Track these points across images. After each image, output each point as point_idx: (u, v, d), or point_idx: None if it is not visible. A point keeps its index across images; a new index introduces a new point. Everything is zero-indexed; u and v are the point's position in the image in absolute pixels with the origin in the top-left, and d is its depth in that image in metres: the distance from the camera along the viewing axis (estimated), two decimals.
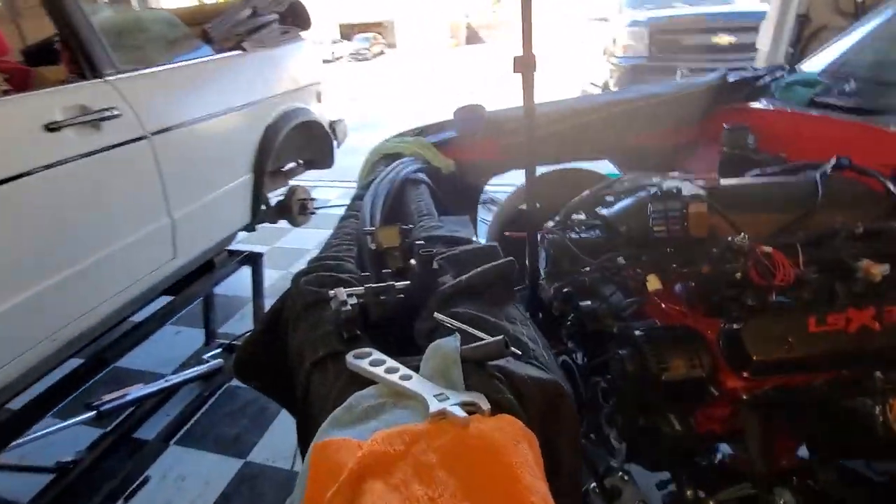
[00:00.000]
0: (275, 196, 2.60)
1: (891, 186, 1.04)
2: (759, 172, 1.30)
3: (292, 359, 0.80)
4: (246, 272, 2.36)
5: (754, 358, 0.89)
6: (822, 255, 0.95)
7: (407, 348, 0.83)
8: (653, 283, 0.97)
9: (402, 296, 0.84)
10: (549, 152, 1.76)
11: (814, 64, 1.84)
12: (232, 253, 2.18)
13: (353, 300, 0.77)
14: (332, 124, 2.87)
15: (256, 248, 2.47)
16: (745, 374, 0.91)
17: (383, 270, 1.03)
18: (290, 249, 3.57)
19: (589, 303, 1.13)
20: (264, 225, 2.50)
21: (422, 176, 1.44)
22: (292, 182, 2.72)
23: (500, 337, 0.61)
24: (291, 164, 2.84)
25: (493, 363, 0.61)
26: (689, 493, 0.96)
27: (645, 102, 1.77)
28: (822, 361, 0.91)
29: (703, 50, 5.29)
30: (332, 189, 4.87)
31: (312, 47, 2.73)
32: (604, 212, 1.08)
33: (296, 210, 2.54)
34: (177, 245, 1.85)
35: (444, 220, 1.18)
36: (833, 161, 1.07)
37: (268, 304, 2.79)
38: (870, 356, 0.91)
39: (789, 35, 3.29)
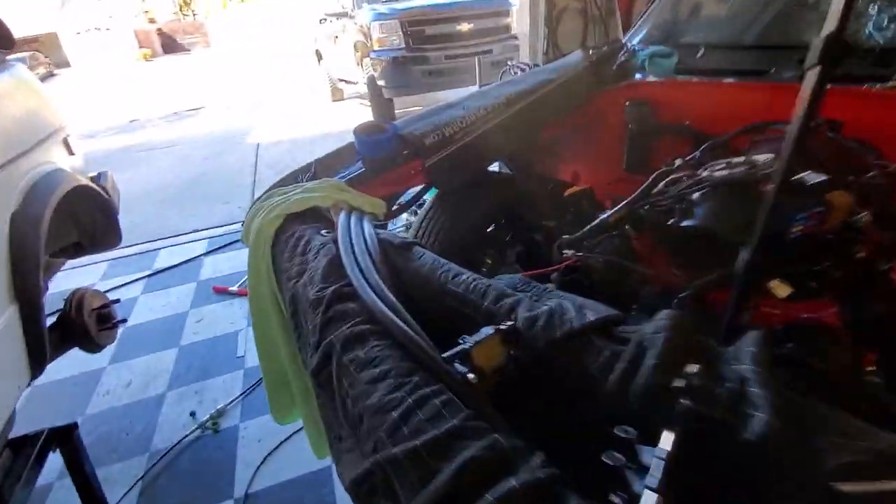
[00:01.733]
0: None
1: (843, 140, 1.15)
2: (713, 142, 1.32)
3: None
4: None
5: None
6: None
7: None
8: (781, 289, 0.85)
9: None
10: (483, 157, 1.52)
11: (636, 38, 2.04)
12: (19, 446, 1.19)
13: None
14: (97, 182, 1.93)
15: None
16: None
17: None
18: (75, 378, 2.38)
19: None
20: None
21: (395, 237, 0.99)
22: (62, 281, 1.74)
23: None
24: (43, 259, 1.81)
25: None
26: None
27: (544, 92, 1.66)
28: None
29: (450, 38, 5.64)
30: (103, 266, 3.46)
31: (29, 73, 1.74)
32: (692, 223, 0.91)
33: (93, 327, 1.62)
34: None
35: (501, 288, 0.81)
36: (819, 122, 1.12)
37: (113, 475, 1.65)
38: None
39: (544, 18, 3.72)
